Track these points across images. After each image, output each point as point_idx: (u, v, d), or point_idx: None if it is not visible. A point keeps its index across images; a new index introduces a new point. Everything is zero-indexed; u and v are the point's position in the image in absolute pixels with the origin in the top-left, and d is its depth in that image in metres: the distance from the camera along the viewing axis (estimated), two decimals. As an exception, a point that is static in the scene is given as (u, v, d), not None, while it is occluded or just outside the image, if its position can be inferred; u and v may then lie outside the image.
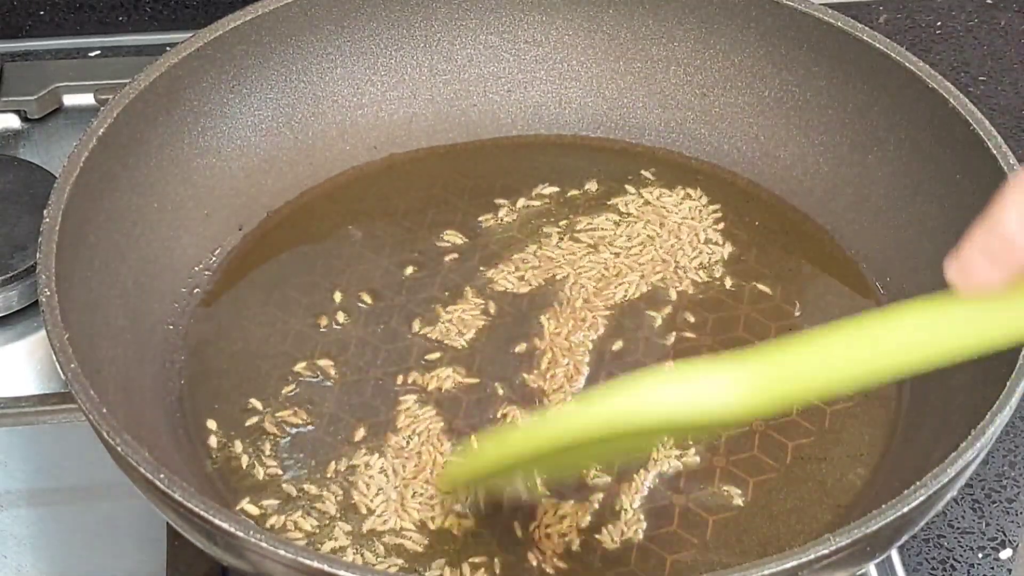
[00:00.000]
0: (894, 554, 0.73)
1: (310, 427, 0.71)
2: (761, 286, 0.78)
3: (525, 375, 0.74)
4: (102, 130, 0.73)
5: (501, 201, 0.83)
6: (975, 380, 0.68)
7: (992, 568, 0.73)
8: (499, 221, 0.82)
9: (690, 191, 0.83)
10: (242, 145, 0.81)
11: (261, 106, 0.82)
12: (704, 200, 0.83)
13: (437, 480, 0.67)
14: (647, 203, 0.82)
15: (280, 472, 0.69)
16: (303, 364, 0.74)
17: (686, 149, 0.85)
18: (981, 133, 0.73)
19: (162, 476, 0.59)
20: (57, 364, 0.63)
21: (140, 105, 0.75)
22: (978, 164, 0.73)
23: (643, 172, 0.84)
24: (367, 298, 0.78)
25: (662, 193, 0.83)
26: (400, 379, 0.73)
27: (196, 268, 0.78)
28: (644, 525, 0.68)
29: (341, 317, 0.76)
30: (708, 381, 0.52)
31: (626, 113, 0.86)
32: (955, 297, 0.49)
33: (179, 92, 0.78)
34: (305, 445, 0.71)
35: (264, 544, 0.57)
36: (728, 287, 0.78)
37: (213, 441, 0.71)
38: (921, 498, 0.59)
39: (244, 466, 0.70)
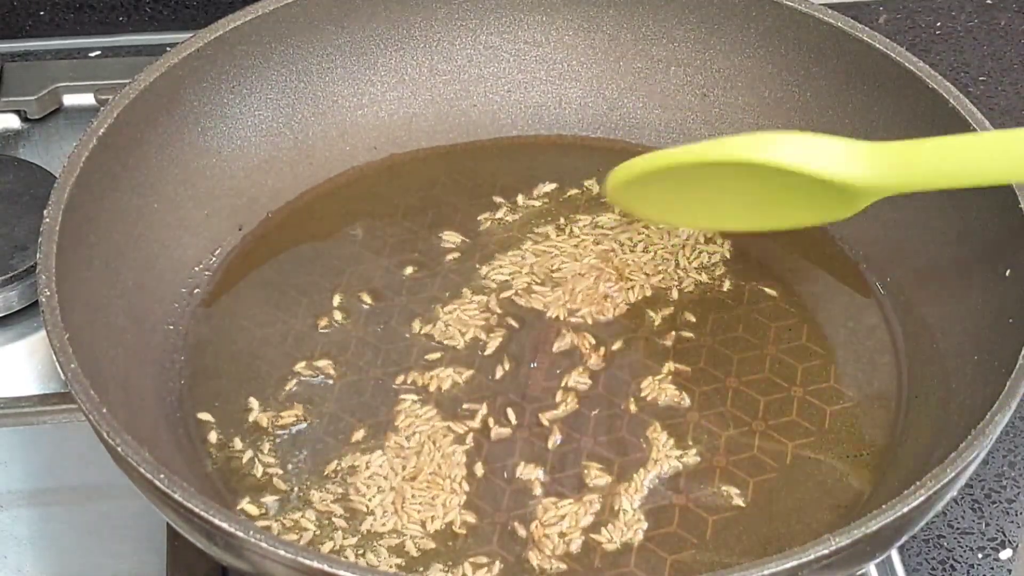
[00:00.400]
0: (894, 554, 0.73)
1: (310, 427, 0.71)
2: (761, 286, 0.78)
3: (525, 375, 0.74)
4: (102, 130, 0.73)
5: (501, 201, 0.83)
6: (975, 380, 0.68)
7: (992, 568, 0.73)
8: (499, 221, 0.82)
9: (690, 191, 0.83)
10: (242, 145, 0.81)
11: (261, 106, 0.82)
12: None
13: (604, 190, 0.75)
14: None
15: (280, 472, 0.69)
16: (303, 364, 0.74)
17: (686, 149, 0.85)
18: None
19: (162, 476, 0.59)
20: (57, 364, 0.63)
21: (140, 105, 0.75)
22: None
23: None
24: (367, 298, 0.78)
25: (662, 193, 0.83)
26: (400, 379, 0.73)
27: (196, 268, 0.78)
28: (644, 525, 0.68)
29: (341, 317, 0.76)
30: (842, 146, 0.63)
31: (626, 113, 0.86)
32: None
33: (179, 92, 0.78)
34: (305, 445, 0.71)
35: (264, 544, 0.57)
36: (728, 287, 0.78)
37: (213, 441, 0.71)
38: (921, 498, 0.59)
39: (244, 466, 0.70)
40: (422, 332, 0.76)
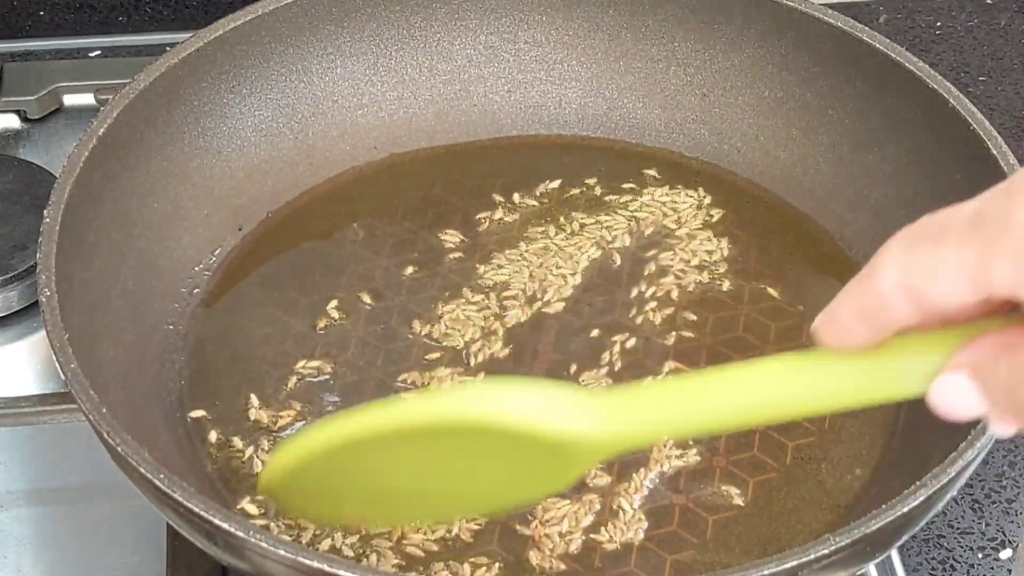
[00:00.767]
0: (894, 554, 0.73)
1: (310, 426, 0.71)
2: (761, 286, 0.78)
3: (525, 374, 0.74)
4: (102, 130, 0.73)
5: (501, 200, 0.83)
6: (975, 380, 0.68)
7: (992, 568, 0.73)
8: (499, 221, 0.82)
9: (690, 191, 0.83)
10: (242, 145, 0.81)
11: (261, 106, 0.82)
12: (704, 200, 0.83)
13: (259, 484, 0.60)
14: (647, 203, 0.82)
15: (280, 472, 0.69)
16: (303, 364, 0.74)
17: (686, 149, 0.85)
18: (981, 133, 0.73)
19: (162, 476, 0.59)
20: (57, 364, 0.63)
21: (140, 105, 0.75)
22: (978, 164, 0.73)
23: (643, 172, 0.84)
24: (367, 298, 0.78)
25: (662, 193, 0.83)
26: (400, 379, 0.73)
27: (196, 268, 0.78)
28: (644, 525, 0.68)
29: (341, 317, 0.76)
30: (565, 400, 0.49)
31: (626, 113, 0.86)
32: (827, 352, 0.46)
33: (179, 92, 0.78)
34: (305, 445, 0.71)
35: (264, 544, 0.57)
36: (728, 287, 0.78)
37: (213, 441, 0.71)
38: (921, 498, 0.59)
39: (244, 466, 0.70)
40: (422, 332, 0.76)
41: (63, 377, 0.63)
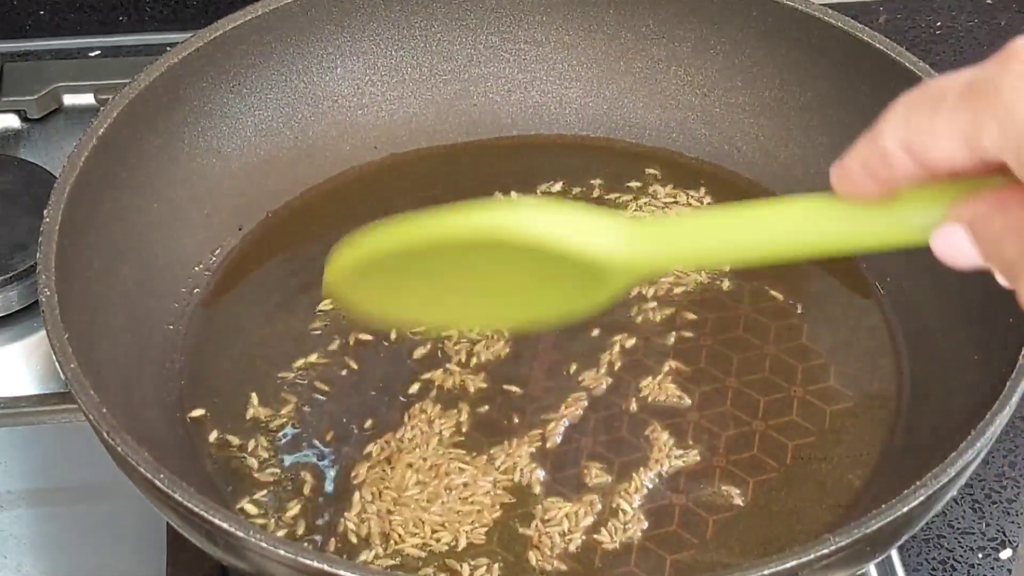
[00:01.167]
0: (894, 554, 0.73)
1: (310, 427, 0.71)
2: (762, 286, 0.78)
3: (526, 373, 0.74)
4: (102, 130, 0.73)
5: (501, 197, 0.83)
6: (975, 380, 0.68)
7: (992, 568, 0.73)
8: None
9: (691, 191, 0.83)
10: (242, 145, 0.81)
11: (261, 106, 0.82)
12: (705, 200, 0.83)
13: (324, 287, 0.63)
14: (648, 203, 0.82)
15: (280, 472, 0.69)
16: (303, 363, 0.74)
17: (686, 149, 0.85)
18: (981, 133, 0.73)
19: (162, 476, 0.59)
20: (57, 364, 0.63)
21: (140, 105, 0.75)
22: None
23: (644, 172, 0.84)
24: (367, 298, 0.77)
25: (663, 193, 0.83)
26: (400, 379, 0.73)
27: (196, 268, 0.78)
28: (644, 525, 0.68)
29: (341, 317, 0.76)
30: (596, 222, 0.54)
31: (626, 113, 0.86)
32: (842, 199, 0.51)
33: (179, 92, 0.78)
34: (305, 445, 0.71)
35: (264, 544, 0.57)
36: (728, 287, 0.78)
37: (213, 440, 0.71)
38: (921, 498, 0.59)
39: (244, 466, 0.70)
40: (422, 331, 0.76)
41: (63, 377, 0.63)
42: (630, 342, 0.75)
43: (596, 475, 0.69)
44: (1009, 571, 0.73)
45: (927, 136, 0.46)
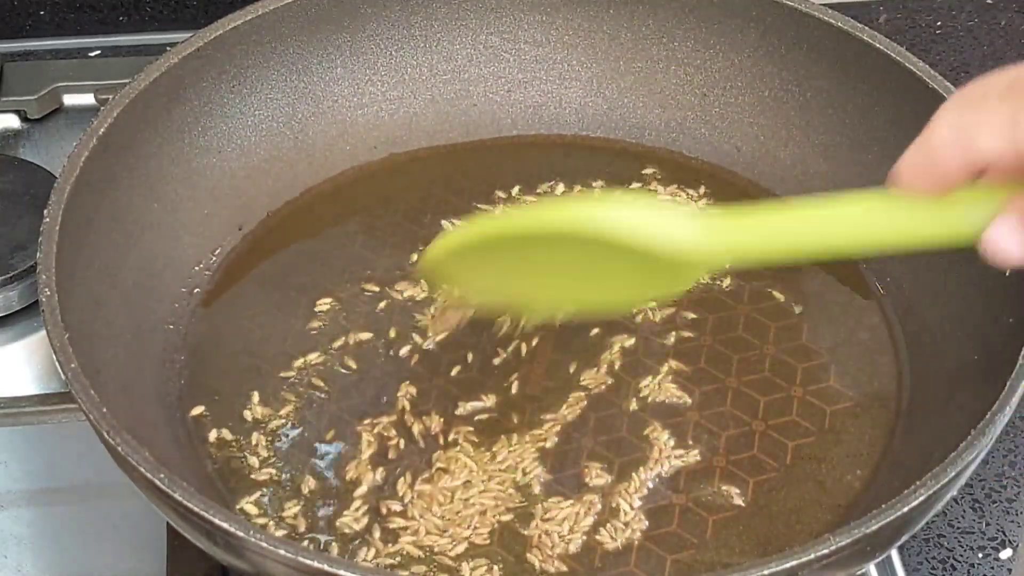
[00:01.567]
0: (894, 554, 0.73)
1: (310, 427, 0.71)
2: (762, 286, 0.78)
3: (527, 372, 0.74)
4: (102, 130, 0.73)
5: (502, 196, 0.83)
6: (975, 380, 0.68)
7: (992, 568, 0.73)
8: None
9: (691, 191, 0.83)
10: (242, 145, 0.81)
11: (261, 106, 0.82)
12: (704, 200, 0.83)
13: (419, 266, 0.68)
14: (647, 203, 0.82)
15: (280, 471, 0.69)
16: (302, 363, 0.74)
17: (686, 149, 0.85)
18: (981, 133, 0.73)
19: (162, 476, 0.59)
20: (57, 364, 0.63)
21: (140, 105, 0.75)
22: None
23: (643, 172, 0.84)
24: (366, 297, 0.77)
25: (663, 192, 0.83)
26: (400, 378, 0.73)
27: (196, 268, 0.78)
28: (644, 525, 0.68)
29: (341, 316, 0.76)
30: (672, 217, 0.57)
31: (626, 113, 0.86)
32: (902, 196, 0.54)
33: (179, 92, 0.78)
34: (305, 445, 0.71)
35: (264, 544, 0.57)
36: (728, 287, 0.78)
37: (213, 440, 0.71)
38: (921, 498, 0.59)
39: (244, 466, 0.70)
40: (422, 330, 0.76)
41: (63, 377, 0.63)
42: (630, 342, 0.75)
43: (596, 475, 0.69)
44: (1009, 571, 0.73)
45: (973, 131, 0.49)
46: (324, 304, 0.77)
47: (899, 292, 0.77)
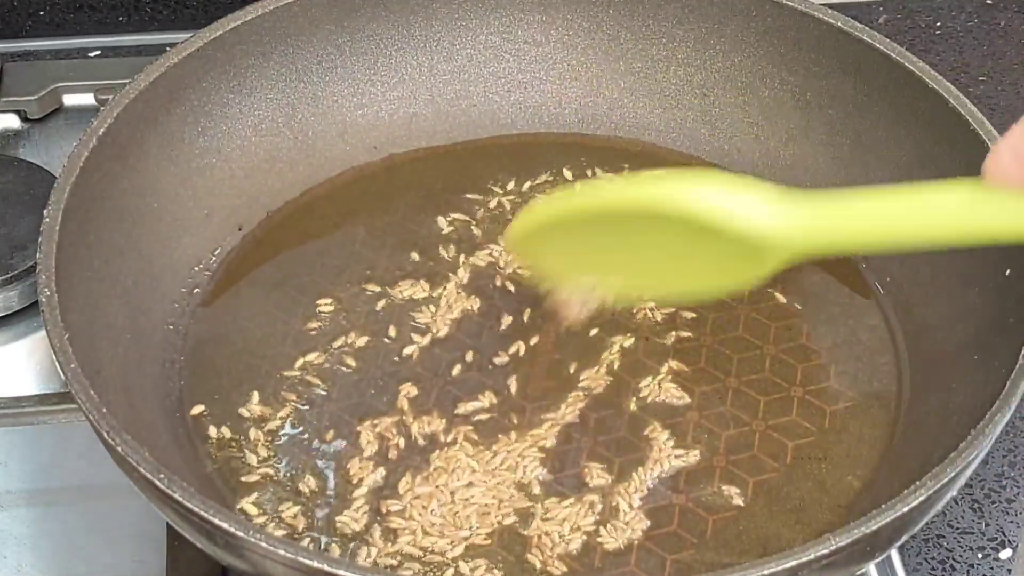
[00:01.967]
0: (894, 554, 0.73)
1: (310, 427, 0.71)
2: (761, 286, 0.78)
3: (528, 372, 0.74)
4: (102, 130, 0.73)
5: (501, 193, 0.83)
6: (975, 380, 0.68)
7: (992, 568, 0.73)
8: (498, 218, 0.82)
9: (690, 191, 0.83)
10: (242, 145, 0.81)
11: (261, 106, 0.82)
12: (704, 200, 0.83)
13: (505, 241, 0.69)
14: (647, 203, 0.82)
15: (279, 471, 0.69)
16: (302, 363, 0.74)
17: (686, 149, 0.85)
18: (981, 133, 0.73)
19: (162, 476, 0.59)
20: (57, 364, 0.63)
21: (140, 105, 0.75)
22: (978, 164, 0.73)
23: (643, 172, 0.84)
24: (367, 297, 0.77)
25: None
26: (400, 377, 0.73)
27: (196, 268, 0.78)
28: (644, 525, 0.68)
29: (341, 317, 0.76)
30: (757, 197, 0.56)
31: (626, 113, 0.86)
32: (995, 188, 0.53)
33: (179, 92, 0.78)
34: (305, 445, 0.71)
35: (264, 544, 0.57)
36: (728, 287, 0.78)
37: (213, 440, 0.71)
38: (921, 498, 0.59)
39: (244, 466, 0.70)
40: (422, 330, 0.76)
41: (63, 377, 0.63)
42: (630, 342, 0.75)
43: (596, 475, 0.69)
44: (1009, 571, 0.73)
45: None
46: (324, 304, 0.77)
47: (899, 292, 0.77)
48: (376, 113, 0.85)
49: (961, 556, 0.73)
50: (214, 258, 0.79)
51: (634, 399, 0.73)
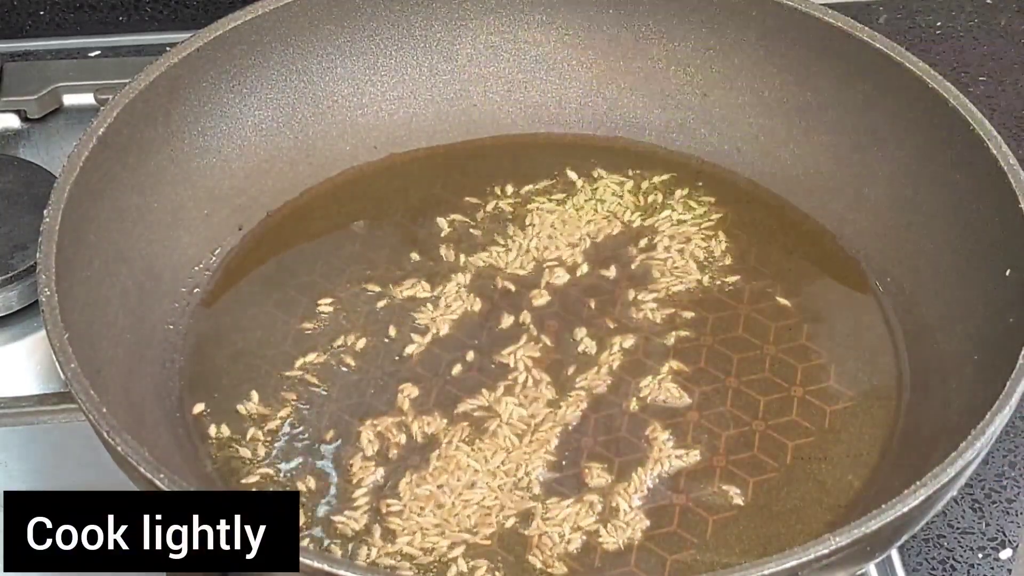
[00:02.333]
0: (894, 554, 0.73)
1: (310, 427, 0.71)
2: (761, 286, 0.78)
3: (528, 372, 0.74)
4: (102, 130, 0.73)
5: (501, 193, 0.83)
6: (975, 380, 0.68)
7: (992, 568, 0.73)
8: (498, 217, 0.82)
9: (691, 191, 0.83)
10: (242, 145, 0.81)
11: (261, 106, 0.82)
12: (704, 200, 0.83)
13: None
14: (647, 203, 0.82)
15: (280, 471, 0.69)
16: (302, 363, 0.74)
17: (686, 149, 0.85)
18: (981, 133, 0.73)
19: (162, 476, 0.59)
20: (57, 364, 0.63)
21: (140, 105, 0.75)
22: (978, 164, 0.73)
23: (643, 172, 0.84)
24: (367, 297, 0.77)
25: (662, 192, 0.83)
26: (400, 377, 0.73)
27: (196, 268, 0.78)
28: (644, 525, 0.68)
29: (341, 317, 0.76)
30: None
31: (626, 113, 0.86)
32: None
33: (179, 92, 0.78)
34: (305, 444, 0.71)
35: (264, 544, 0.57)
36: (728, 287, 0.78)
37: (213, 439, 0.71)
38: (921, 498, 0.59)
39: (244, 465, 0.70)
40: (422, 330, 0.76)
41: (63, 377, 0.63)
42: (630, 342, 0.75)
43: (596, 475, 0.69)
44: (1009, 571, 0.73)
45: None
46: (324, 304, 0.77)
47: (899, 291, 0.77)
48: (376, 113, 0.85)
49: (961, 556, 0.73)
50: (214, 258, 0.79)
51: (634, 399, 0.73)
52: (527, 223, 0.81)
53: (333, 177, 0.84)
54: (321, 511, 0.68)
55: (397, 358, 0.75)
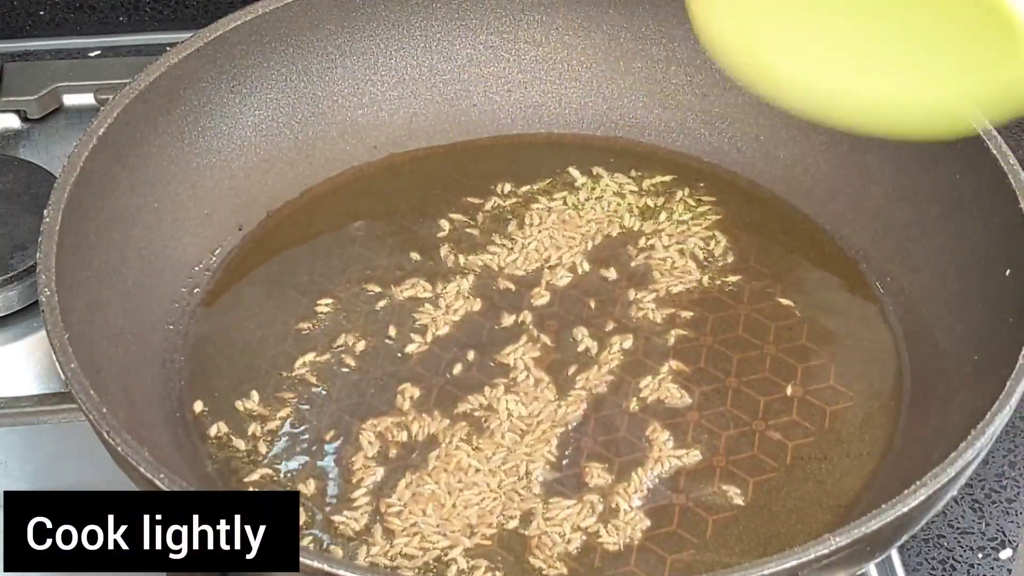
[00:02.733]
0: (894, 554, 0.73)
1: (310, 426, 0.71)
2: (761, 285, 0.78)
3: (529, 371, 0.74)
4: (102, 130, 0.73)
5: (501, 193, 0.83)
6: (975, 380, 0.68)
7: (992, 568, 0.73)
8: (497, 217, 0.82)
9: (691, 191, 0.83)
10: (242, 145, 0.81)
11: (261, 106, 0.82)
12: (704, 200, 0.83)
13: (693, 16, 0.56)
14: (647, 203, 0.82)
15: (280, 471, 0.69)
16: (302, 363, 0.74)
17: (686, 149, 0.85)
18: (981, 133, 0.73)
19: (162, 476, 0.59)
20: (57, 364, 0.63)
21: (140, 105, 0.75)
22: (978, 164, 0.73)
23: (643, 172, 0.84)
24: (367, 297, 0.77)
25: (662, 193, 0.83)
26: (399, 377, 0.73)
27: (196, 268, 0.78)
28: (644, 525, 0.68)
29: (341, 316, 0.76)
30: None
31: (626, 113, 0.86)
32: None
33: (179, 92, 0.78)
34: (305, 444, 0.71)
35: (264, 544, 0.57)
36: (728, 287, 0.78)
37: (213, 439, 0.71)
38: (921, 498, 0.59)
39: (244, 465, 0.70)
40: (422, 330, 0.76)
41: (63, 377, 0.63)
42: (630, 342, 0.75)
43: (596, 475, 0.69)
44: (1009, 571, 0.73)
45: None
46: (324, 304, 0.77)
47: (899, 292, 0.77)
48: (376, 113, 0.85)
49: (961, 556, 0.73)
50: (214, 258, 0.79)
51: (634, 399, 0.73)
52: (527, 223, 0.81)
53: (333, 177, 0.84)
54: (321, 511, 0.68)
55: (397, 358, 0.75)
